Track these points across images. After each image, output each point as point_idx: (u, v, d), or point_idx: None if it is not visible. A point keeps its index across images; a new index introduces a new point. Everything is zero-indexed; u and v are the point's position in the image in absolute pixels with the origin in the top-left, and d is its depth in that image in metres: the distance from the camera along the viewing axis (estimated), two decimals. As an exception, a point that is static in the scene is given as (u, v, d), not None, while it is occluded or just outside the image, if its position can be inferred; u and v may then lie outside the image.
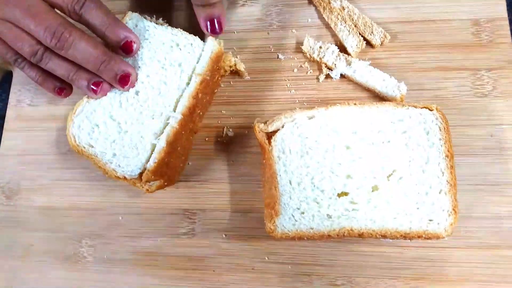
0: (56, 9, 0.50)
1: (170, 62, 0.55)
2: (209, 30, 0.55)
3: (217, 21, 0.55)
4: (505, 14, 0.58)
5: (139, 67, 0.54)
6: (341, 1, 0.61)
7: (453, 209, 0.47)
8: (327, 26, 0.61)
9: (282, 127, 0.52)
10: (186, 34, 0.56)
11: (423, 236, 0.47)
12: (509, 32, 0.57)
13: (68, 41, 0.48)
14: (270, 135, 0.52)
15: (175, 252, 0.57)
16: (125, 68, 0.52)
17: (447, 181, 0.48)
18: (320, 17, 0.62)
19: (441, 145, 0.49)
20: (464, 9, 0.59)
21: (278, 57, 0.61)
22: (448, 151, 0.49)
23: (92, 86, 0.52)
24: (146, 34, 0.55)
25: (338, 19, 0.60)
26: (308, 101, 0.59)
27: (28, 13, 0.48)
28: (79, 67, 0.51)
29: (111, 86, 0.53)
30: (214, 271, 0.55)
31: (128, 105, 0.53)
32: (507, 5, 0.59)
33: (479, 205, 0.53)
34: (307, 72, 0.60)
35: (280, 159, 0.51)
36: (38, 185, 0.62)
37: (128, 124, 0.53)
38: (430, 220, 0.48)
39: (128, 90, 0.53)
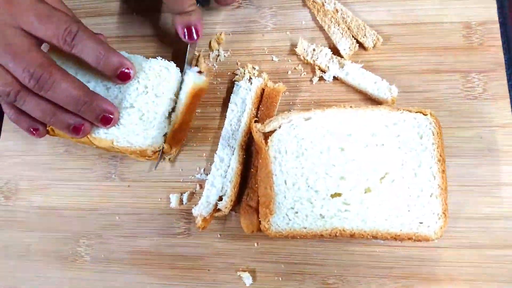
0: (48, 42, 0.47)
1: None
2: (186, 37, 0.54)
3: (194, 28, 0.53)
4: (496, 17, 0.56)
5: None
6: (334, 4, 0.58)
7: (443, 213, 0.46)
8: (321, 29, 0.59)
9: (279, 127, 0.50)
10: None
11: (413, 238, 0.46)
12: (499, 35, 0.55)
13: (48, 83, 0.45)
14: (267, 135, 0.51)
15: (171, 252, 0.55)
16: (107, 108, 0.49)
17: (438, 185, 0.46)
18: (314, 19, 0.59)
19: (434, 150, 0.47)
20: (456, 12, 0.57)
21: (272, 59, 0.59)
22: (440, 155, 0.47)
23: (72, 131, 0.49)
24: None
25: (331, 21, 0.57)
26: (302, 103, 0.57)
27: (8, 51, 0.44)
28: (56, 109, 0.48)
29: (91, 127, 0.50)
30: (209, 270, 0.54)
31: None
32: (498, 8, 0.56)
33: (469, 205, 0.51)
34: (300, 74, 0.58)
35: (276, 159, 0.49)
36: (36, 185, 0.59)
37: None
38: (421, 223, 0.46)
39: (109, 128, 0.51)
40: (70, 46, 0.46)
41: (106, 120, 0.49)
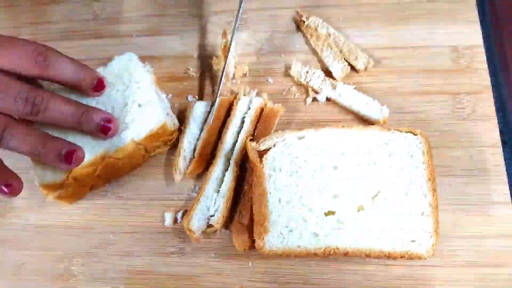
0: (18, 73, 0.44)
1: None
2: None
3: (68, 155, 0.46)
4: (481, 41, 0.58)
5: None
6: (327, 28, 0.61)
7: (435, 231, 0.46)
8: (314, 52, 0.61)
9: (273, 146, 0.51)
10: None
11: (406, 256, 0.46)
12: (485, 58, 0.58)
13: (42, 104, 0.44)
14: (261, 154, 0.51)
15: (165, 271, 0.54)
16: (105, 115, 0.50)
17: (429, 203, 0.47)
18: (308, 43, 0.62)
19: (424, 169, 0.48)
20: (444, 37, 0.59)
21: (267, 80, 0.61)
22: (431, 174, 0.48)
23: (65, 157, 0.46)
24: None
25: (324, 45, 0.60)
26: (296, 122, 0.58)
27: None
28: (46, 138, 0.46)
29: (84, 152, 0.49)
30: (203, 289, 0.53)
31: None
32: (483, 34, 0.59)
33: (461, 224, 0.52)
34: (294, 95, 0.60)
35: (270, 177, 0.50)
36: (30, 203, 0.59)
37: None
38: (413, 241, 0.46)
39: (112, 137, 0.51)
40: (44, 66, 0.44)
41: (106, 128, 0.49)
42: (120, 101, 0.54)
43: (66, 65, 0.46)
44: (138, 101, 0.54)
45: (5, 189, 0.44)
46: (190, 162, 0.57)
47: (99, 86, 0.51)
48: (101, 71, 0.55)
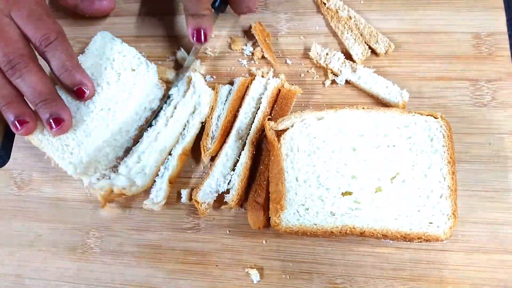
0: (28, 40, 0.51)
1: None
2: (194, 38, 0.55)
3: (203, 32, 0.54)
4: (504, 28, 0.58)
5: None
6: (348, 11, 0.60)
7: (453, 213, 0.46)
8: (334, 34, 0.60)
9: (292, 126, 0.51)
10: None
11: (423, 238, 0.46)
12: (508, 46, 0.57)
13: (21, 71, 0.49)
14: (279, 133, 0.51)
15: (180, 246, 0.55)
16: (61, 113, 0.51)
17: (448, 186, 0.47)
18: (328, 25, 0.61)
19: (444, 152, 0.48)
20: (466, 22, 0.59)
21: (286, 62, 0.60)
22: (451, 157, 0.48)
23: (16, 123, 0.50)
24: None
25: (345, 27, 0.59)
26: (314, 105, 0.58)
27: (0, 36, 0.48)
28: (16, 99, 0.50)
29: (35, 127, 0.52)
30: (217, 266, 0.54)
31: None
32: (507, 21, 0.58)
33: (477, 210, 0.52)
34: (313, 77, 0.59)
35: (288, 157, 0.50)
36: (48, 177, 0.60)
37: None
38: (430, 223, 0.46)
39: (58, 135, 0.52)
40: (42, 50, 0.50)
41: (55, 122, 0.50)
42: (113, 75, 0.56)
43: (57, 60, 0.51)
44: (130, 67, 0.56)
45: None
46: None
47: (78, 92, 0.53)
48: (82, 57, 0.56)
